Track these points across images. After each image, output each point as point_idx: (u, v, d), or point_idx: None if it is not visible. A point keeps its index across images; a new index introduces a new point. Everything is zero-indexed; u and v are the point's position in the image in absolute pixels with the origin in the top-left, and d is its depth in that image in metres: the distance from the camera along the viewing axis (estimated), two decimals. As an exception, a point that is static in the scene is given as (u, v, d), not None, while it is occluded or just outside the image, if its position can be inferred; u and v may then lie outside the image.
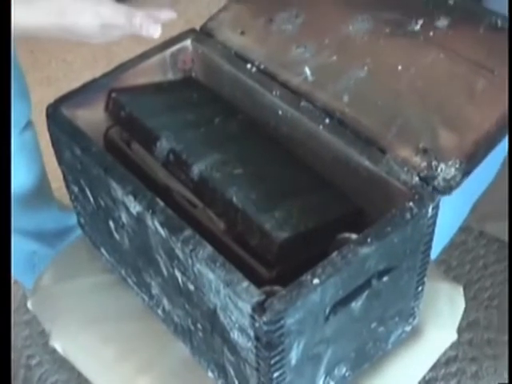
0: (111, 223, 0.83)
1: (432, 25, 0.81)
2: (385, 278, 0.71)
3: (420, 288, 0.79)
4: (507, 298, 1.11)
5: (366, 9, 0.84)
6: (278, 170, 0.79)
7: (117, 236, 0.83)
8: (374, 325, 0.77)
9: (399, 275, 0.74)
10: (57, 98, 0.82)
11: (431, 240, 0.74)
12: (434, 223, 0.73)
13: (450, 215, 0.96)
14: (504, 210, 1.10)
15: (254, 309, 0.63)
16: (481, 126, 0.74)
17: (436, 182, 0.71)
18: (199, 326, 0.76)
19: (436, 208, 0.71)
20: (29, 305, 0.95)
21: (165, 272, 0.76)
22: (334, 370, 0.77)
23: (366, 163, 0.74)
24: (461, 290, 0.89)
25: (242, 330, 0.67)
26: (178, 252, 0.70)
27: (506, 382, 1.04)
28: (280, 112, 0.81)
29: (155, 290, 0.83)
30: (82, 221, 0.93)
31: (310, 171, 0.79)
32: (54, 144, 0.86)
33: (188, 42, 0.89)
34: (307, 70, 0.82)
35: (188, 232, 0.69)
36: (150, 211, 0.71)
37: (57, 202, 1.25)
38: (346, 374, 0.79)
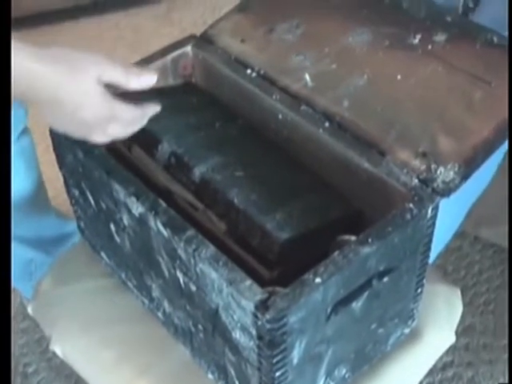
0: (112, 226, 0.83)
1: (430, 39, 0.83)
2: (385, 279, 0.72)
3: (419, 290, 0.80)
4: (506, 302, 1.12)
5: (366, 23, 0.86)
6: (278, 173, 0.80)
7: (118, 239, 0.84)
8: (373, 326, 0.77)
9: (399, 276, 0.75)
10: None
11: (430, 241, 0.75)
12: (434, 224, 0.74)
13: (445, 220, 0.97)
14: (499, 215, 1.11)
15: (256, 307, 0.63)
16: (479, 132, 0.76)
17: (435, 184, 0.73)
18: (200, 327, 0.77)
19: (435, 209, 0.72)
20: (29, 309, 0.95)
21: (166, 273, 0.77)
22: (334, 371, 0.77)
23: (366, 165, 0.75)
24: (458, 292, 0.90)
25: (244, 329, 0.67)
26: (181, 252, 0.70)
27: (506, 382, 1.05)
28: (280, 116, 0.82)
29: (156, 293, 0.83)
30: (82, 225, 0.94)
31: (310, 173, 0.80)
32: (55, 148, 0.86)
33: (188, 48, 0.90)
34: (307, 77, 0.84)
35: (191, 232, 0.69)
36: (153, 212, 0.72)
37: (54, 210, 1.25)
38: (346, 376, 0.80)
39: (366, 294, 0.71)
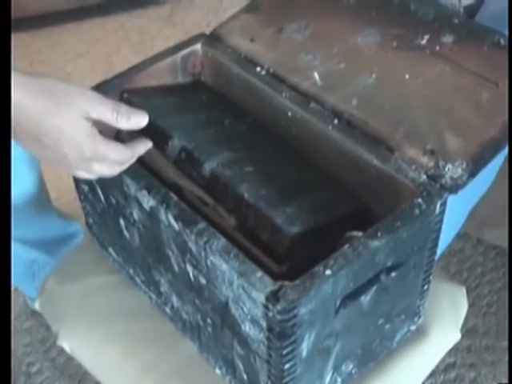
0: (121, 221, 0.84)
1: (438, 40, 0.84)
2: (393, 274, 0.73)
3: (426, 286, 0.81)
4: (506, 304, 1.12)
5: (374, 24, 0.87)
6: (287, 169, 0.81)
7: (127, 234, 0.85)
8: (381, 321, 0.78)
9: (407, 272, 0.75)
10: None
11: (438, 237, 0.76)
12: (441, 221, 0.74)
13: (448, 221, 0.98)
14: (502, 217, 1.12)
15: (267, 298, 0.64)
16: (486, 131, 0.77)
17: (443, 181, 0.73)
18: (209, 320, 0.77)
19: (444, 205, 0.73)
20: (36, 305, 0.96)
21: (176, 267, 0.77)
22: (341, 366, 0.78)
23: (375, 161, 0.76)
24: (464, 290, 0.91)
25: (254, 321, 0.68)
26: (191, 245, 0.71)
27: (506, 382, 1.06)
28: (289, 113, 0.83)
29: (164, 288, 0.84)
30: (91, 221, 0.94)
31: (319, 170, 0.81)
32: (65, 143, 0.87)
33: (198, 47, 0.91)
34: (316, 75, 0.84)
35: (202, 224, 0.70)
36: (164, 205, 0.72)
37: (56, 211, 1.26)
38: (353, 372, 0.80)
39: (374, 288, 0.72)
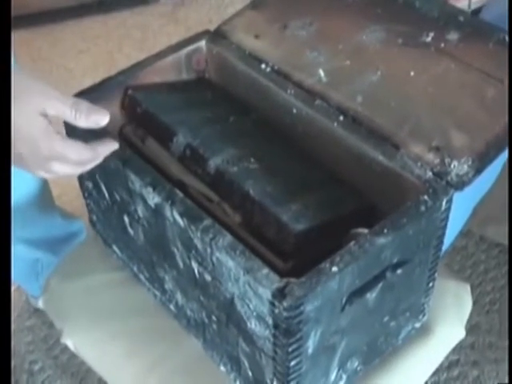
0: (126, 218, 0.84)
1: (443, 37, 0.84)
2: (399, 271, 0.73)
3: (431, 284, 0.81)
4: (507, 302, 1.12)
5: (379, 21, 0.87)
6: (293, 166, 0.81)
7: (131, 231, 0.84)
8: (386, 319, 0.78)
9: (412, 269, 0.75)
10: (74, 94, 0.83)
11: (443, 234, 0.76)
12: (447, 217, 0.74)
13: (452, 218, 0.98)
14: (505, 215, 1.12)
15: (274, 295, 0.64)
16: (491, 128, 0.76)
17: (449, 178, 0.73)
18: (214, 317, 0.77)
19: (449, 202, 0.73)
20: (40, 303, 0.95)
21: (180, 264, 0.77)
22: (346, 363, 0.78)
23: (380, 158, 0.76)
24: (468, 287, 0.91)
25: (259, 318, 0.68)
26: (197, 242, 0.71)
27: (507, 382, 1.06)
28: (294, 110, 0.82)
29: (168, 285, 0.84)
30: (94, 218, 0.94)
31: (325, 167, 0.81)
32: (69, 140, 0.86)
33: (202, 43, 0.91)
34: (321, 72, 0.84)
35: (208, 221, 0.70)
36: (169, 202, 0.72)
37: (58, 210, 1.25)
38: (358, 369, 0.80)
39: (380, 285, 0.72)
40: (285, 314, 0.64)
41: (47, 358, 1.23)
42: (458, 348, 0.99)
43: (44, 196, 1.16)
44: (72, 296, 0.93)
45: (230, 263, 0.67)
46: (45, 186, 1.15)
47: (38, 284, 1.20)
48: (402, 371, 0.84)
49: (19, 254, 1.12)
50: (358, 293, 0.70)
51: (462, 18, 0.85)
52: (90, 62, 1.69)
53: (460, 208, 1.03)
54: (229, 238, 0.68)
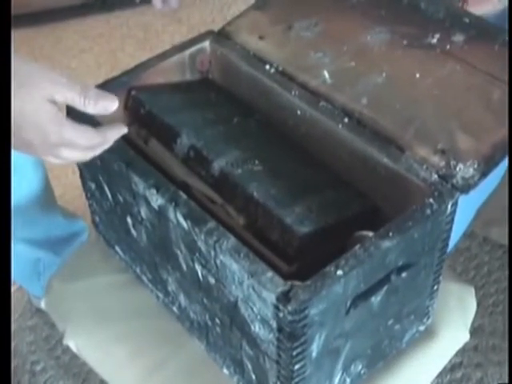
0: (129, 219, 0.83)
1: (448, 39, 0.83)
2: (403, 274, 0.72)
3: (435, 287, 0.81)
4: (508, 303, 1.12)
5: (384, 22, 0.87)
6: (297, 168, 0.80)
7: (134, 232, 0.84)
8: (390, 322, 0.78)
9: (417, 272, 0.75)
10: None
11: (449, 237, 0.76)
12: (453, 220, 0.74)
13: (456, 220, 0.98)
14: (508, 217, 1.11)
15: (278, 298, 0.64)
16: (497, 131, 0.76)
17: (455, 180, 0.73)
18: (217, 320, 0.77)
19: (455, 205, 0.72)
20: (42, 304, 0.95)
21: (184, 266, 0.77)
22: (350, 367, 0.77)
23: (385, 161, 0.75)
24: (472, 290, 0.90)
25: (263, 321, 0.68)
26: (201, 244, 0.70)
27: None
28: (299, 112, 0.82)
29: (171, 287, 0.83)
30: (97, 219, 0.94)
31: (329, 169, 0.80)
32: (72, 141, 0.86)
33: (206, 44, 0.90)
34: (326, 74, 0.84)
35: (212, 224, 0.69)
36: (173, 204, 0.72)
37: (60, 209, 1.25)
38: (362, 372, 0.80)
39: (384, 288, 0.71)
40: (289, 317, 0.64)
41: (49, 358, 1.23)
42: (462, 350, 0.99)
43: (46, 195, 1.16)
44: (74, 297, 0.93)
45: (234, 266, 0.67)
46: (46, 185, 1.15)
47: (40, 284, 1.20)
48: (406, 374, 0.84)
49: (20, 253, 1.11)
50: (363, 296, 0.70)
51: (467, 20, 0.85)
52: (93, 61, 1.68)
53: (464, 210, 1.02)
54: (233, 240, 0.68)
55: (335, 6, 0.90)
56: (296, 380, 0.70)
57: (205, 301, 0.77)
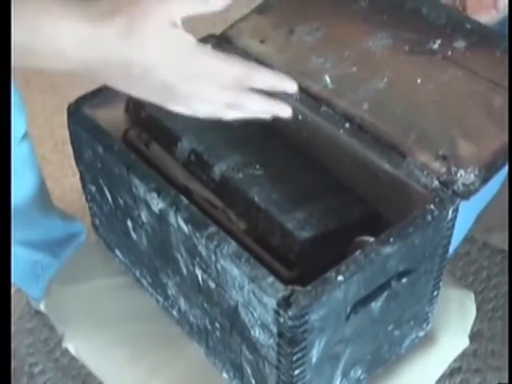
0: (129, 223, 0.83)
1: (450, 45, 0.83)
2: (404, 280, 0.72)
3: (435, 293, 0.81)
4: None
5: (385, 28, 0.87)
6: (298, 173, 0.80)
7: (134, 236, 0.84)
8: (390, 327, 0.78)
9: (417, 278, 0.75)
10: (78, 97, 0.84)
11: (449, 243, 0.76)
12: (453, 226, 0.74)
13: (456, 226, 0.98)
14: (508, 222, 1.11)
15: (279, 304, 0.64)
16: (498, 137, 0.76)
17: (456, 187, 0.73)
18: (217, 325, 0.77)
19: (456, 211, 0.72)
20: (41, 307, 0.95)
21: (184, 270, 0.77)
22: (350, 372, 0.77)
23: (386, 166, 0.75)
24: (472, 296, 0.90)
25: (264, 326, 0.67)
26: (201, 249, 0.70)
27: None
28: (300, 116, 0.82)
29: (171, 291, 0.83)
30: (97, 222, 0.94)
31: (330, 174, 0.80)
32: (73, 143, 0.86)
33: (208, 47, 0.90)
34: (327, 78, 0.84)
35: (213, 228, 0.69)
36: (174, 208, 0.72)
37: (57, 212, 1.25)
38: (361, 377, 0.80)
39: (385, 294, 0.71)
40: (290, 323, 0.64)
41: (48, 360, 1.23)
42: (461, 355, 0.99)
43: (41, 197, 1.15)
44: (74, 300, 0.93)
45: (235, 271, 0.67)
46: (42, 187, 1.15)
47: (39, 286, 1.19)
48: (406, 380, 0.84)
49: (18, 256, 1.11)
50: (363, 302, 0.70)
51: (469, 26, 0.85)
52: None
53: (464, 215, 1.02)
54: (234, 245, 0.68)
55: (337, 11, 0.90)
56: (296, 385, 0.70)
57: (205, 305, 0.77)
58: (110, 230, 0.91)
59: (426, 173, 0.74)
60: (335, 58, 0.85)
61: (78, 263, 0.99)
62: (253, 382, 0.76)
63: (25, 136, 1.05)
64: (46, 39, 0.54)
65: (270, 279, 0.65)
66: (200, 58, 0.57)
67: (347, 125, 0.79)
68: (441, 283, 0.80)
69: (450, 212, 0.72)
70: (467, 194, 0.73)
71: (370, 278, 0.68)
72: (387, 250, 0.67)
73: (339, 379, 0.76)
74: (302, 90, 0.83)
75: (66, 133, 0.85)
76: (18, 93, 1.03)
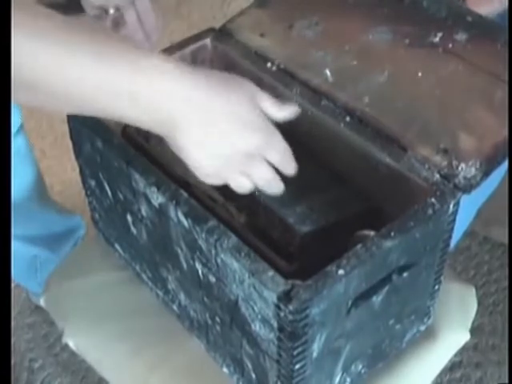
0: (129, 217, 0.83)
1: (451, 38, 0.83)
2: (405, 274, 0.72)
3: (436, 287, 0.80)
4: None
5: (386, 21, 0.86)
6: (298, 166, 0.79)
7: (134, 230, 0.84)
8: (391, 322, 0.77)
9: (418, 272, 0.75)
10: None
11: (450, 237, 0.75)
12: (454, 220, 0.74)
13: (457, 220, 0.98)
14: (508, 216, 1.11)
15: (279, 298, 0.63)
16: (499, 131, 0.76)
17: (457, 180, 0.73)
18: (217, 319, 0.77)
19: (457, 205, 0.72)
20: (41, 302, 0.95)
21: (184, 265, 0.77)
22: (351, 367, 0.77)
23: (387, 160, 0.75)
24: (473, 290, 0.90)
25: (264, 320, 0.67)
26: (201, 243, 0.70)
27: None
28: (300, 110, 0.81)
29: (171, 285, 0.83)
30: (97, 216, 0.93)
31: (330, 168, 0.80)
32: (72, 137, 0.86)
33: (207, 41, 0.90)
34: (327, 72, 0.84)
35: (213, 222, 0.69)
36: (174, 202, 0.71)
37: (55, 206, 1.25)
38: (362, 372, 0.80)
39: (386, 288, 0.71)
40: (290, 317, 0.63)
41: (48, 355, 1.23)
42: (461, 349, 0.99)
43: (39, 192, 1.15)
44: (74, 295, 0.92)
45: (235, 265, 0.67)
46: (40, 182, 1.14)
47: (37, 281, 1.19)
48: (406, 374, 0.84)
49: (16, 250, 1.11)
50: (364, 296, 0.69)
51: (470, 19, 0.84)
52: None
53: (465, 209, 1.02)
54: (234, 239, 0.68)
55: (337, 5, 0.90)
56: (296, 380, 0.70)
57: (205, 299, 0.77)
58: (110, 224, 0.90)
59: (426, 166, 0.74)
60: (335, 52, 0.85)
61: (77, 258, 0.98)
62: (253, 376, 0.76)
63: (19, 130, 1.05)
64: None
65: (271, 273, 0.65)
66: (272, 134, 0.64)
67: (348, 118, 0.79)
68: (442, 277, 0.80)
69: (451, 206, 0.71)
70: (468, 187, 0.72)
71: (370, 272, 0.68)
72: (388, 243, 0.67)
73: (340, 373, 0.76)
74: (302, 83, 0.83)
75: (66, 127, 0.84)
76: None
